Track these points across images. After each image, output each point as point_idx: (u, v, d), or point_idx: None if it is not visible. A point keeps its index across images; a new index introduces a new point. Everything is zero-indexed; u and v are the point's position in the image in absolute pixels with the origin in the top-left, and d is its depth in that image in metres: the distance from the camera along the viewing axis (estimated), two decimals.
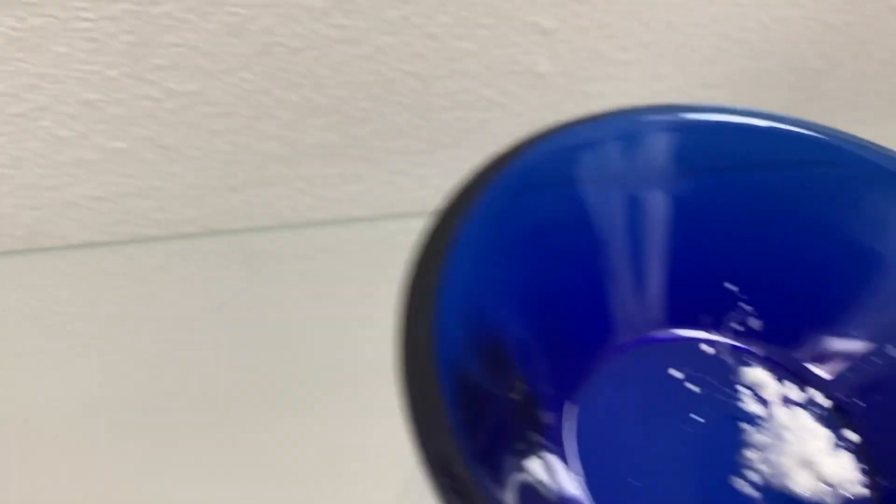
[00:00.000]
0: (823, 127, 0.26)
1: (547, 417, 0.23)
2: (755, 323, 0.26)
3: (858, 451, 0.24)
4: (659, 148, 0.25)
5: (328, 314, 0.30)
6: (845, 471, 0.23)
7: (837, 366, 0.25)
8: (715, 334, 0.26)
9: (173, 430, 0.26)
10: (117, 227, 0.33)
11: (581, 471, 0.22)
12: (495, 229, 0.21)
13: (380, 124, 0.32)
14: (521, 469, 0.20)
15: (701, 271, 0.26)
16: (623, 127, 0.24)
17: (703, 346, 0.26)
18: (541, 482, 0.21)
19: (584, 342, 0.25)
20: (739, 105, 0.26)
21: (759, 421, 0.24)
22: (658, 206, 0.25)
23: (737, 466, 0.23)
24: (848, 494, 0.23)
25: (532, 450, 0.21)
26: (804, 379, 0.25)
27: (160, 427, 0.26)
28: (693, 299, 0.26)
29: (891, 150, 0.25)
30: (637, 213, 0.25)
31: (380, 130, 0.32)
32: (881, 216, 0.25)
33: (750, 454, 0.23)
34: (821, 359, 0.26)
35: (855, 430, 0.24)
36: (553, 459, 0.22)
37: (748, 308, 0.26)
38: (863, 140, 0.25)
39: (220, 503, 0.24)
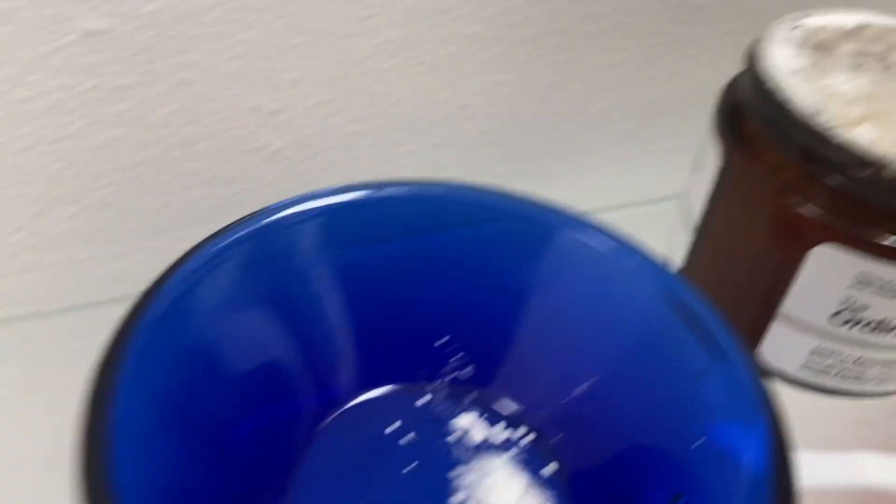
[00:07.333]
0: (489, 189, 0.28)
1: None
2: (468, 371, 0.29)
3: (559, 483, 0.27)
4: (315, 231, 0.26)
5: None
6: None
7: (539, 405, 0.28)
8: (431, 385, 0.29)
9: None
10: None
11: None
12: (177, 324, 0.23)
13: (125, 207, 0.33)
14: None
15: (410, 332, 0.28)
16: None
17: (420, 400, 0.28)
18: None
19: (299, 416, 0.27)
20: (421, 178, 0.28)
21: (465, 466, 0.27)
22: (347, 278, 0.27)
23: None
24: None
25: None
26: (510, 419, 0.28)
27: None
28: (408, 357, 0.28)
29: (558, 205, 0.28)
30: (330, 288, 0.27)
31: (126, 213, 0.33)
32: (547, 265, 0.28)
33: (458, 498, 0.26)
34: (524, 398, 0.28)
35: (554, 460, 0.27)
36: None
37: (459, 357, 0.29)
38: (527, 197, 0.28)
39: None
